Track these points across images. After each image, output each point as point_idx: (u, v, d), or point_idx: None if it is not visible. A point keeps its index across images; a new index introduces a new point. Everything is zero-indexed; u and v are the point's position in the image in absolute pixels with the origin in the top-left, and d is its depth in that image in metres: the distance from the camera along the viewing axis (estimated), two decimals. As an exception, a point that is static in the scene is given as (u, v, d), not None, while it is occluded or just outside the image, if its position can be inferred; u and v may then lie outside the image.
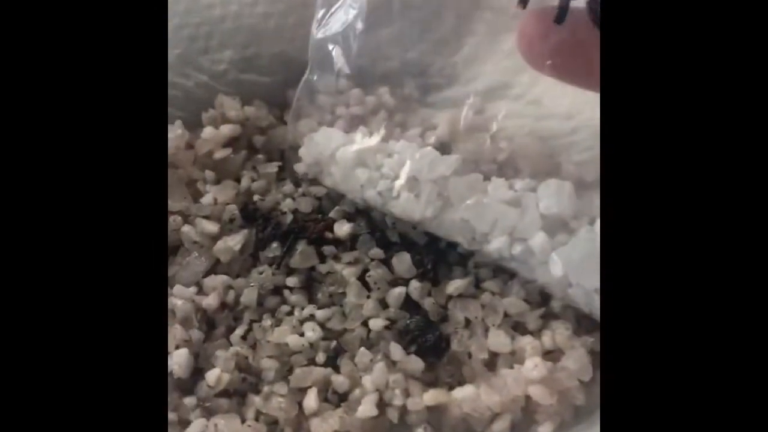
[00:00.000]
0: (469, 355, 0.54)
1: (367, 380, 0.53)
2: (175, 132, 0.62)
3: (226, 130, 0.63)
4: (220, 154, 0.62)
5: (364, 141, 0.61)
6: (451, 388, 0.54)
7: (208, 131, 0.62)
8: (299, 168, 0.63)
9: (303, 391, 0.54)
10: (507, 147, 0.64)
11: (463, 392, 0.52)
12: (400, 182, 0.57)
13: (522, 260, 0.55)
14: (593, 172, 0.62)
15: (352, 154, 0.59)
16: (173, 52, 0.65)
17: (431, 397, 0.52)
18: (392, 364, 0.54)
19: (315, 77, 0.66)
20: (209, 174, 0.62)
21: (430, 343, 0.54)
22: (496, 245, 0.54)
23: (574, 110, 0.65)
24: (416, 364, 0.53)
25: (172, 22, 0.65)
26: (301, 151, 0.62)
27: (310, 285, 0.59)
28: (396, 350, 0.54)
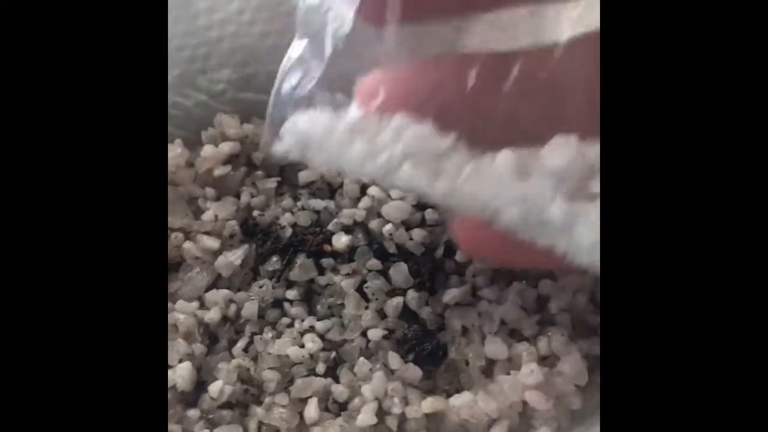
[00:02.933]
0: (467, 363, 0.55)
1: (367, 389, 0.54)
2: (176, 151, 0.63)
3: (226, 147, 0.64)
4: (219, 171, 0.64)
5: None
6: (449, 395, 0.54)
7: (207, 149, 0.64)
8: (277, 149, 0.59)
9: (304, 401, 0.55)
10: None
11: (460, 399, 0.53)
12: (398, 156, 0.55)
13: (541, 229, 0.52)
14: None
15: (346, 127, 0.57)
16: (173, 73, 0.66)
17: (429, 404, 0.52)
18: (391, 373, 0.55)
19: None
20: (209, 191, 0.63)
21: (427, 351, 0.55)
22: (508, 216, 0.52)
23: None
24: (414, 372, 0.54)
25: (172, 44, 0.67)
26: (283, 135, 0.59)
27: (309, 297, 0.60)
28: (394, 359, 0.55)
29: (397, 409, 0.53)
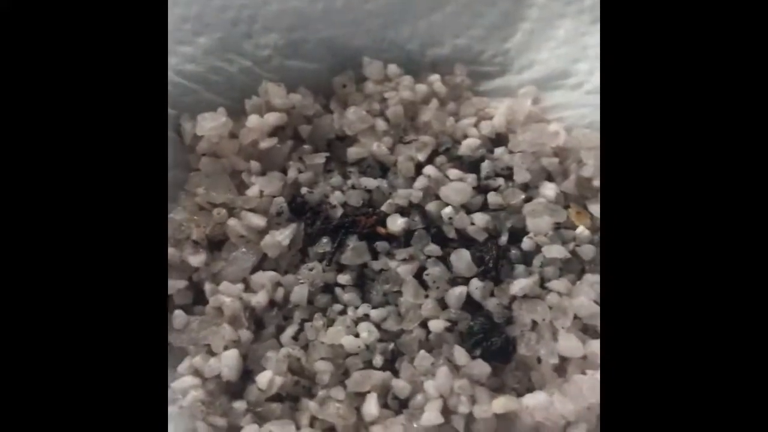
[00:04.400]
0: (539, 360, 0.51)
1: (430, 385, 0.50)
2: (219, 120, 0.58)
3: (272, 118, 0.60)
4: (265, 143, 0.59)
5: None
6: (518, 394, 0.50)
7: (253, 120, 0.59)
8: None
9: (361, 395, 0.51)
10: (567, 138, 0.60)
11: (534, 399, 0.49)
12: None
13: None
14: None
15: None
16: (215, 36, 0.61)
17: (501, 404, 0.49)
18: (456, 369, 0.51)
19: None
20: (254, 165, 0.59)
21: (496, 346, 0.51)
22: None
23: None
24: (482, 368, 0.50)
25: (213, 3, 0.62)
26: None
27: (362, 283, 0.55)
28: (460, 354, 0.51)
29: (464, 408, 0.49)
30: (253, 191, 0.57)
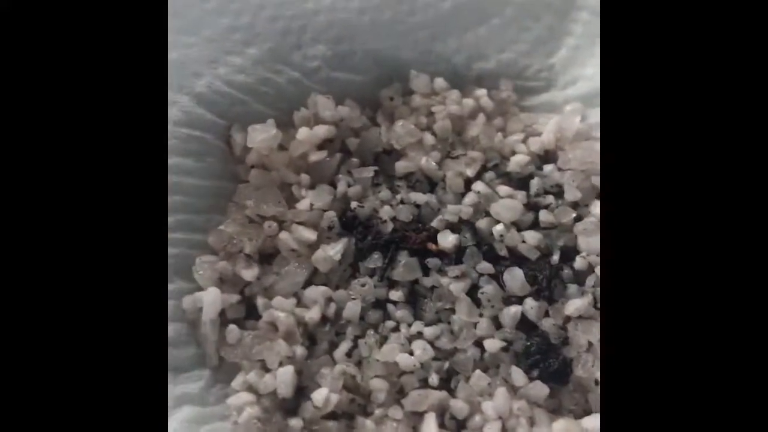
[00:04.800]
0: (596, 382, 0.50)
1: (488, 406, 0.50)
2: (269, 132, 0.58)
3: (321, 131, 0.59)
4: (315, 156, 0.59)
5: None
6: (576, 416, 0.50)
7: (303, 132, 0.59)
8: None
9: (418, 415, 0.50)
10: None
11: (594, 422, 0.49)
12: None
13: None
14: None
15: None
16: (264, 46, 0.61)
17: (561, 427, 0.49)
18: (513, 390, 0.51)
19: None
20: (304, 178, 0.58)
21: (553, 368, 0.51)
22: None
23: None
24: (541, 390, 0.50)
25: (263, 13, 0.61)
26: None
27: (414, 300, 0.55)
28: (518, 375, 0.50)
29: (522, 430, 0.49)
30: (303, 204, 0.57)
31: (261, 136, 0.58)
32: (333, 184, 0.59)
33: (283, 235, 0.55)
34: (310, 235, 0.56)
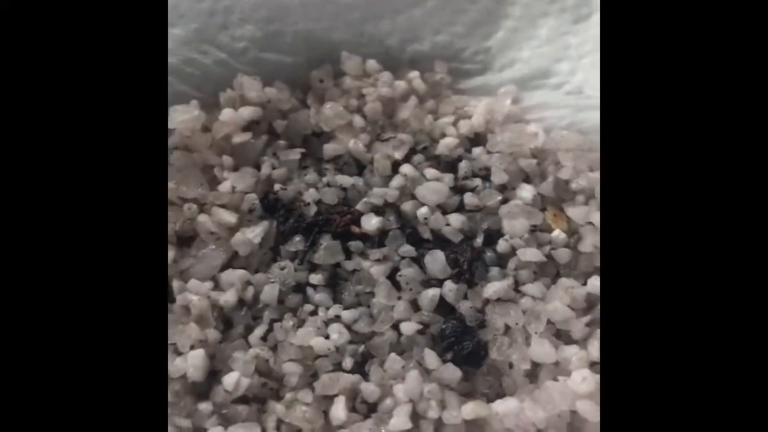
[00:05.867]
0: (510, 365, 0.50)
1: (399, 389, 0.49)
2: (192, 113, 0.57)
3: (246, 112, 0.58)
4: (239, 138, 0.58)
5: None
6: (489, 400, 0.50)
7: (226, 113, 0.58)
8: None
9: (329, 399, 0.50)
10: (545, 140, 0.59)
11: (504, 405, 0.48)
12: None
13: None
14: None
15: None
16: (190, 27, 0.60)
17: (470, 410, 0.48)
18: (426, 373, 0.50)
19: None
20: (227, 159, 0.57)
21: (468, 350, 0.50)
22: None
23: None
24: (453, 373, 0.49)
25: (190, -6, 0.60)
26: None
27: (335, 283, 0.54)
28: (431, 358, 0.50)
29: (433, 414, 0.48)
30: (224, 187, 0.56)
31: (182, 116, 0.57)
32: (258, 167, 0.58)
33: (202, 218, 0.55)
34: (230, 217, 0.55)
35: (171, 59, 0.58)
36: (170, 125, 0.56)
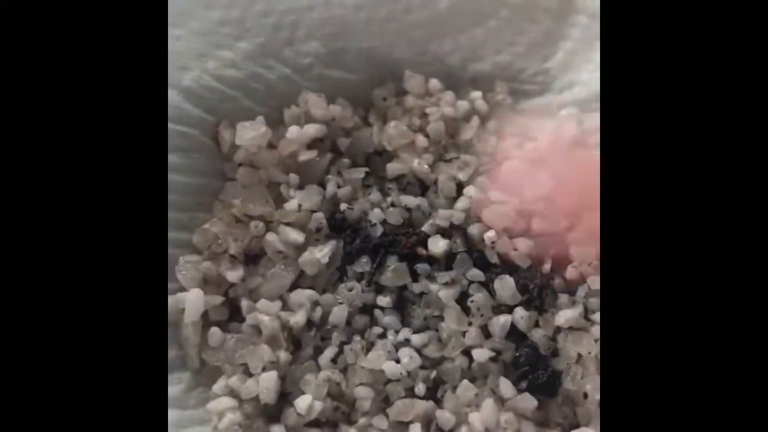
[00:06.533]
0: (585, 395, 0.50)
1: (475, 417, 0.49)
2: (258, 130, 0.57)
3: (312, 130, 0.58)
4: (305, 156, 0.57)
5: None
6: (564, 430, 0.50)
7: (293, 130, 0.57)
8: None
9: (404, 425, 0.49)
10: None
11: (580, 436, 0.48)
12: None
13: None
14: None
15: None
16: (255, 41, 0.59)
17: (548, 440, 0.48)
18: (500, 401, 0.50)
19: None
20: (293, 177, 0.57)
21: (542, 380, 0.50)
22: None
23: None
24: (529, 402, 0.49)
25: (255, 8, 0.60)
26: None
27: (402, 306, 0.54)
28: (506, 386, 0.50)
29: (509, 443, 0.48)
30: (291, 205, 0.56)
31: (250, 133, 0.56)
32: (322, 185, 0.58)
33: (270, 236, 0.54)
34: (298, 236, 0.54)
35: (237, 74, 0.58)
36: (238, 142, 0.56)
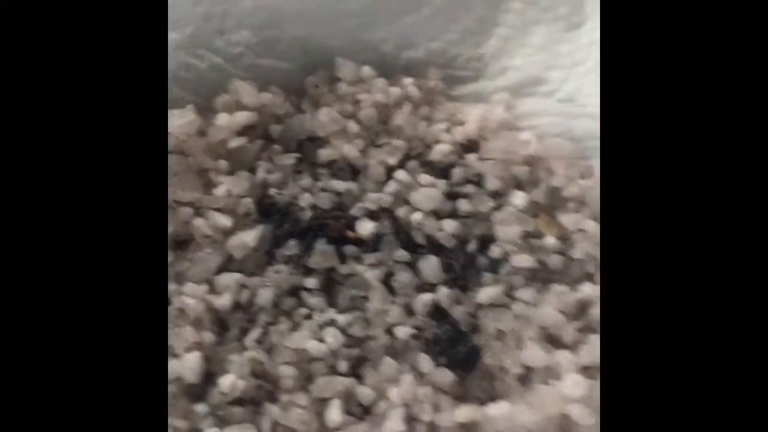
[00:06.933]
0: (503, 369, 0.51)
1: (394, 393, 0.50)
2: (187, 117, 0.57)
3: (242, 117, 0.59)
4: (234, 142, 0.58)
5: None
6: (481, 403, 0.50)
7: (222, 118, 0.58)
8: None
9: (324, 401, 0.50)
10: (538, 147, 0.60)
11: (497, 409, 0.49)
12: None
13: None
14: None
15: None
16: (185, 31, 0.60)
17: (463, 413, 0.49)
18: (420, 376, 0.50)
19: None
20: (222, 163, 0.58)
21: (461, 355, 0.51)
22: None
23: (610, 109, 0.62)
24: (446, 377, 0.50)
25: (186, -2, 0.60)
26: None
27: (329, 287, 0.55)
28: (425, 362, 0.50)
29: (427, 417, 0.49)
30: (220, 191, 0.57)
31: (179, 121, 0.57)
32: (253, 171, 0.59)
33: (198, 221, 0.55)
34: (226, 221, 0.55)
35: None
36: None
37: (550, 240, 0.55)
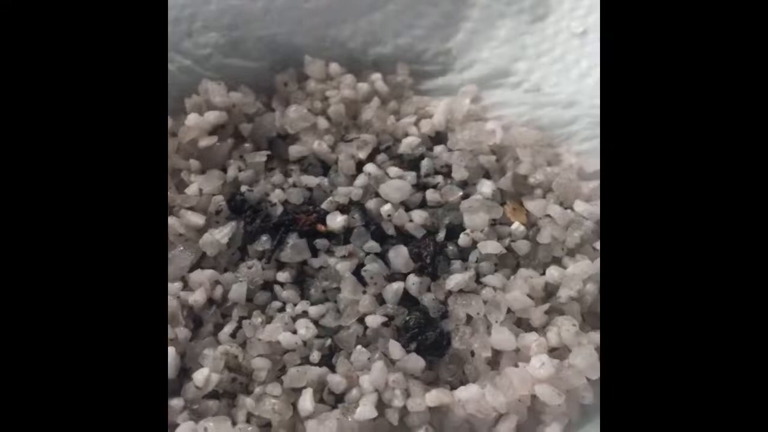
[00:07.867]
0: (472, 354, 0.52)
1: (365, 380, 0.50)
2: (158, 118, 0.58)
3: (212, 117, 0.60)
4: (205, 142, 0.59)
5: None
6: (452, 387, 0.51)
7: (192, 118, 0.59)
8: None
9: (297, 391, 0.51)
10: (504, 136, 0.61)
11: (466, 392, 0.50)
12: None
13: None
14: (594, 163, 0.60)
15: None
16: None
17: (433, 397, 0.49)
18: (391, 363, 0.51)
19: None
20: (194, 163, 0.59)
21: (430, 340, 0.52)
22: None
23: (575, 99, 0.63)
24: (417, 363, 0.51)
25: (154, 3, 0.61)
26: None
27: (302, 280, 0.56)
28: (395, 348, 0.51)
29: (398, 402, 0.50)
30: (192, 190, 0.57)
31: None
32: (224, 169, 0.60)
33: (171, 220, 0.56)
34: (198, 219, 0.56)
35: (137, 66, 0.60)
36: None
37: (517, 226, 0.56)
